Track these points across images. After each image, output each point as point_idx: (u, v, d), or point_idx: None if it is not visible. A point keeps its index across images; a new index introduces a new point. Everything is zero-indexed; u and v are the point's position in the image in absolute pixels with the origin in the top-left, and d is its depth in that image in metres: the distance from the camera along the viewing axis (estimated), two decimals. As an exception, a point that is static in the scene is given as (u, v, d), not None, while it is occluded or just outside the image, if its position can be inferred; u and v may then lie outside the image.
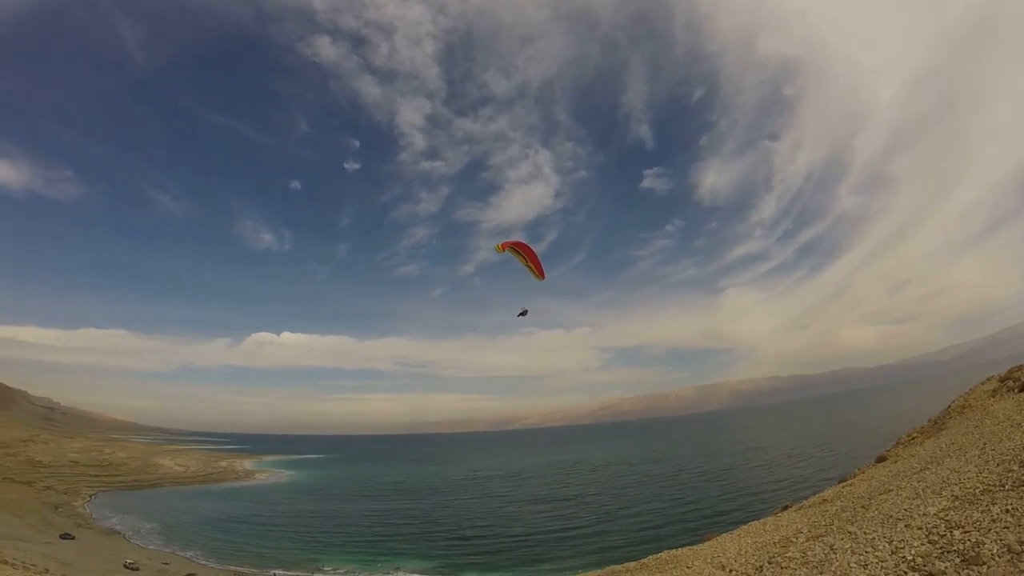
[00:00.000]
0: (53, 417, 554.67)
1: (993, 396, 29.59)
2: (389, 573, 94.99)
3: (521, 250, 46.80)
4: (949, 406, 34.33)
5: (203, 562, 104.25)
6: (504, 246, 45.61)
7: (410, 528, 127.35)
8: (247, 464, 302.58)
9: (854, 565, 12.51)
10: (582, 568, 40.54)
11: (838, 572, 12.48)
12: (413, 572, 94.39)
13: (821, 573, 12.84)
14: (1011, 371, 32.61)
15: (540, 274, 47.62)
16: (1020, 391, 26.57)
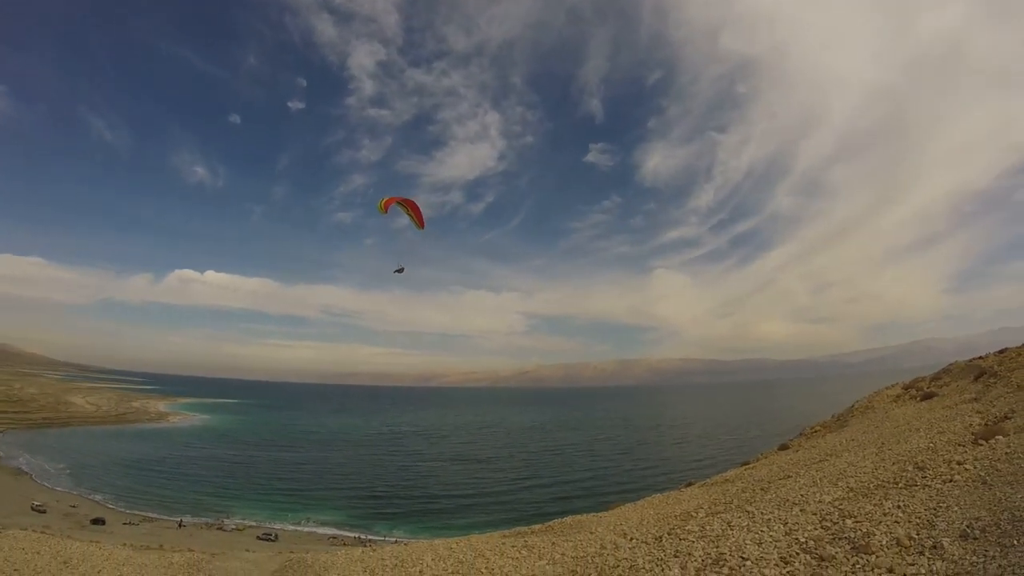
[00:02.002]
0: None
1: (896, 401, 31.11)
2: (299, 524, 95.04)
3: (406, 204, 46.27)
4: (853, 405, 35.98)
5: (111, 506, 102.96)
6: (388, 203, 44.69)
7: (323, 480, 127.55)
8: (161, 406, 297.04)
9: (749, 542, 13.03)
10: (491, 528, 41.19)
11: (733, 547, 12.99)
12: (323, 524, 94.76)
13: (717, 547, 13.35)
14: (915, 380, 34.51)
15: (420, 223, 47.23)
16: (921, 400, 27.98)
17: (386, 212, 44.13)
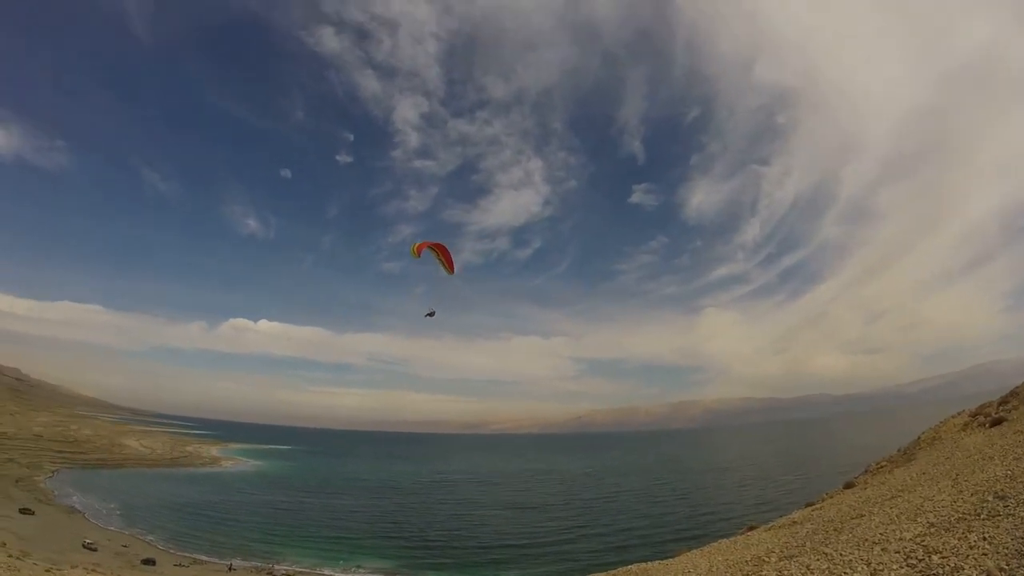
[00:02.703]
0: (21, 388, 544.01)
1: (964, 430, 30.03)
2: (349, 571, 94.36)
3: (436, 248, 46.92)
4: (919, 437, 34.81)
5: (162, 547, 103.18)
6: (421, 248, 45.46)
7: (373, 526, 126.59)
8: (214, 451, 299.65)
9: None
10: (547, 576, 40.39)
11: (816, 590, 12.63)
12: (374, 571, 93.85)
13: (799, 591, 13.01)
14: (982, 407, 33.24)
15: (451, 268, 47.80)
16: (991, 426, 26.95)
17: (419, 256, 44.97)
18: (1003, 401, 31.12)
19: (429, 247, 46.40)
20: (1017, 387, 32.42)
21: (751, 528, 29.53)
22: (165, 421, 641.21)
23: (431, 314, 48.90)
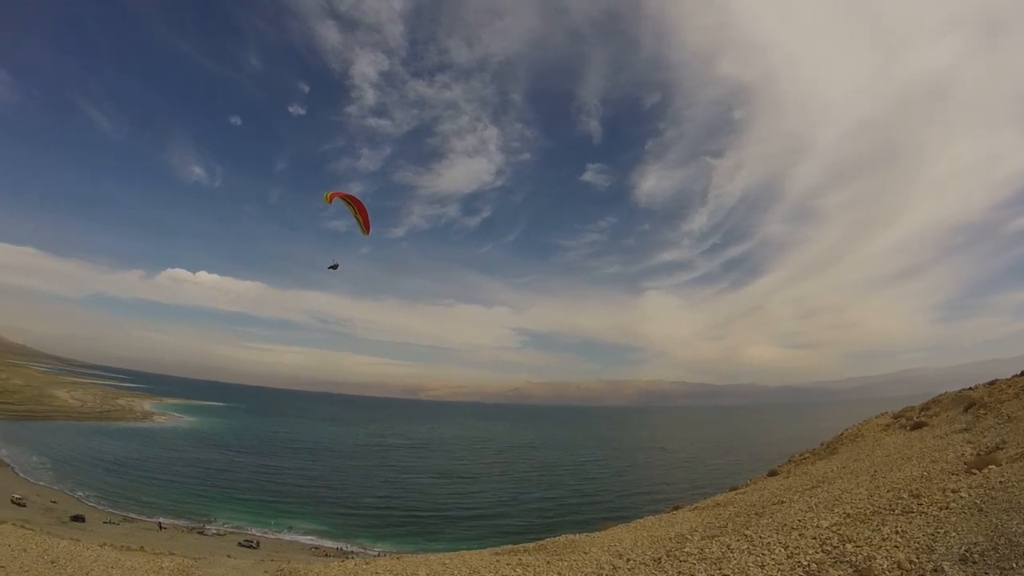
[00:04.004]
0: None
1: (886, 430, 31.39)
2: (280, 532, 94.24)
3: (352, 202, 46.26)
4: (842, 433, 36.26)
5: (92, 503, 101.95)
6: (333, 196, 44.85)
7: (306, 489, 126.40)
8: (146, 405, 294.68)
9: (751, 565, 13.19)
10: (478, 545, 40.95)
11: (736, 569, 13.17)
12: (305, 533, 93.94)
13: (720, 568, 13.52)
14: (905, 410, 34.87)
15: (366, 228, 47.28)
16: (912, 429, 28.22)
17: (330, 203, 44.20)
18: (925, 407, 32.64)
19: (341, 197, 45.39)
20: (940, 396, 34.06)
21: (677, 508, 30.40)
22: (97, 372, 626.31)
23: (334, 267, 48.41)
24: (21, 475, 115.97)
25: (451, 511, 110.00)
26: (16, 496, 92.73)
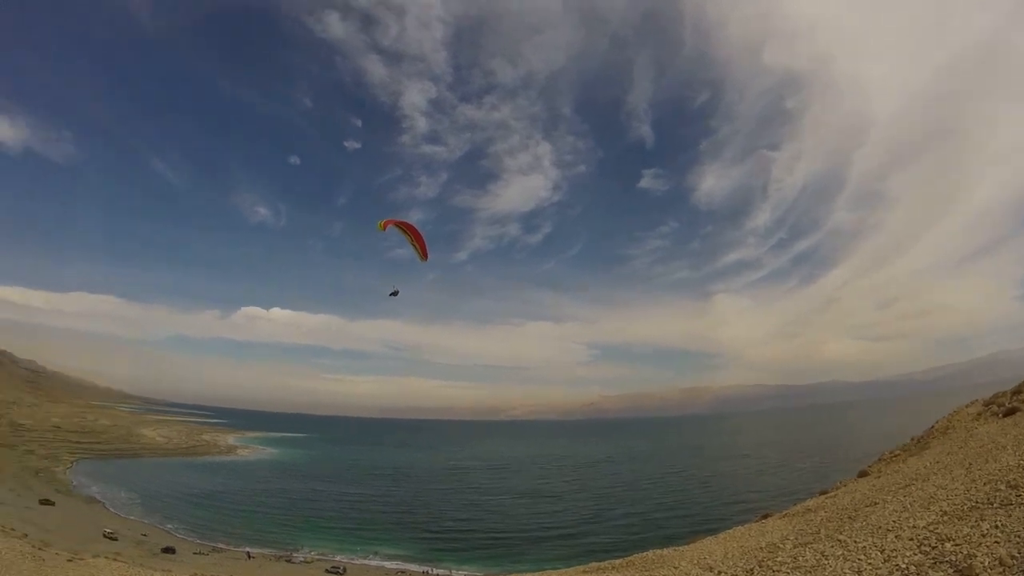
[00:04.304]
0: (38, 381, 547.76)
1: (977, 419, 30.01)
2: (366, 557, 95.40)
3: (407, 229, 46.53)
4: (932, 426, 34.74)
5: (181, 535, 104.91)
6: (387, 223, 45.24)
7: (389, 514, 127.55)
8: (230, 439, 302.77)
9: (848, 571, 12.78)
10: (562, 564, 40.74)
11: (831, 575, 12.90)
12: (389, 558, 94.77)
13: (815, 577, 13.28)
14: (996, 396, 33.11)
15: (424, 255, 47.47)
16: (1004, 416, 26.92)
17: (384, 230, 44.78)
18: (1016, 391, 31.01)
19: (395, 224, 46.06)
20: (1031, 377, 32.30)
21: (766, 516, 29.68)
22: (181, 410, 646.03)
23: (395, 293, 48.97)
24: (112, 510, 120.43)
25: (534, 531, 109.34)
26: (108, 530, 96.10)
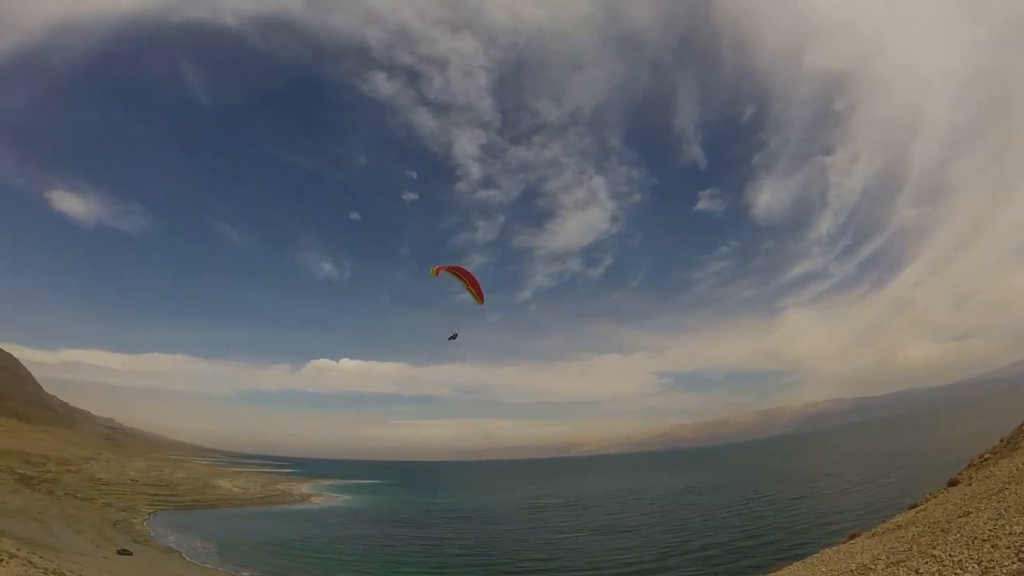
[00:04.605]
0: (115, 437, 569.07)
1: (1072, 413, 28.34)
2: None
3: (460, 274, 46.59)
4: (1021, 424, 33.06)
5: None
6: (439, 269, 45.42)
7: (464, 556, 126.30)
8: (304, 487, 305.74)
9: None
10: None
11: (927, 595, 12.03)
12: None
13: (908, 597, 12.40)
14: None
15: (480, 298, 47.32)
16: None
17: (436, 275, 45.06)
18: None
19: (447, 270, 46.41)
20: None
21: (853, 536, 28.39)
22: (255, 461, 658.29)
23: (454, 336, 49.02)
24: (189, 559, 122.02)
25: (610, 567, 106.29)
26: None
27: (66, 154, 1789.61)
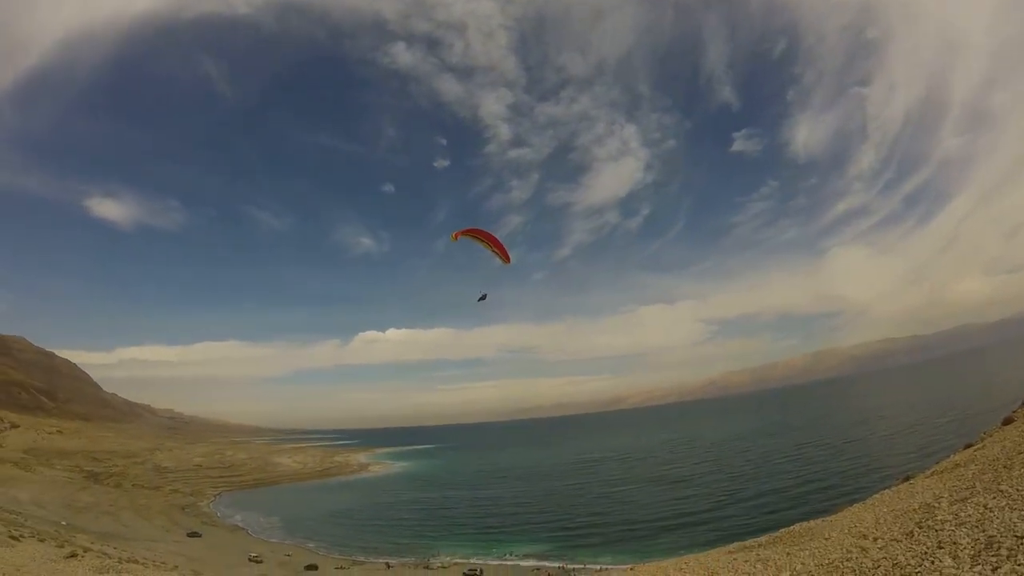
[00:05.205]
0: (176, 427, 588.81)
1: None
2: (502, 558, 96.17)
3: (481, 236, 46.17)
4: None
5: (323, 552, 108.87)
6: (458, 234, 45.23)
7: (521, 514, 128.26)
8: (361, 457, 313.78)
9: (1018, 520, 12.03)
10: (698, 548, 39.92)
11: (1002, 528, 12.04)
12: (525, 557, 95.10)
13: (983, 531, 12.48)
14: None
15: (505, 258, 46.83)
16: None
17: (455, 240, 45.05)
18: None
19: (465, 234, 46.26)
20: None
21: (907, 478, 28.22)
22: (312, 436, 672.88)
23: (483, 297, 49.01)
24: (255, 535, 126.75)
25: (666, 518, 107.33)
26: (253, 554, 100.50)
27: (97, 161, 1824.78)
